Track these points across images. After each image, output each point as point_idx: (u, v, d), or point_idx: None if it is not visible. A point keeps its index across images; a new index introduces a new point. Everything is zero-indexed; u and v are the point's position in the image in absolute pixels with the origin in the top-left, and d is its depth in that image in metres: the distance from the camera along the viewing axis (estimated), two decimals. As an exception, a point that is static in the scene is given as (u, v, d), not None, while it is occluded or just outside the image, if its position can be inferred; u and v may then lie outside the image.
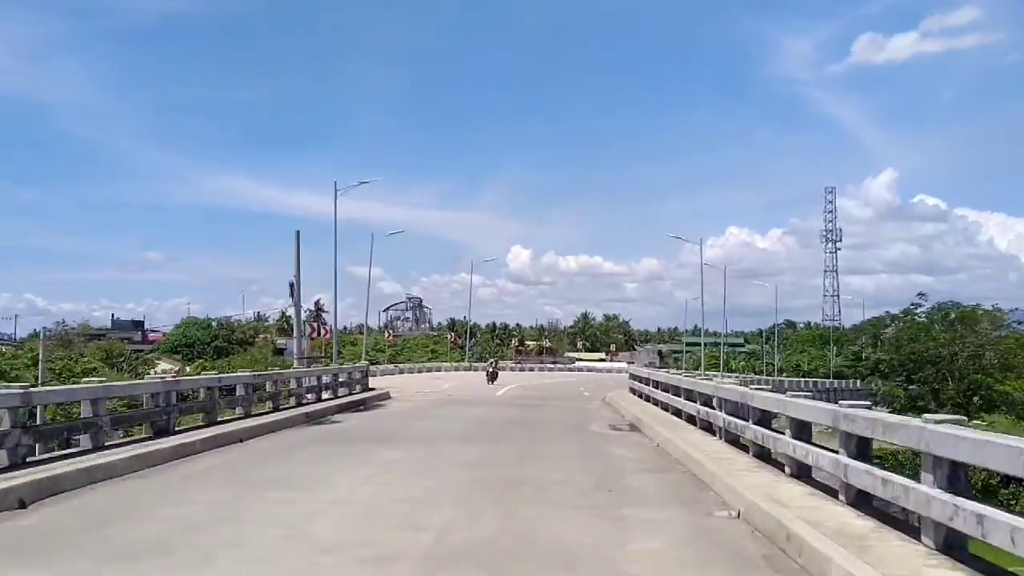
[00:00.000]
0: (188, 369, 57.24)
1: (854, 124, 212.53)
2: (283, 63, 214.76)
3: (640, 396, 23.53)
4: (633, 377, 25.76)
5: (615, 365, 78.22)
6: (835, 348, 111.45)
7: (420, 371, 53.78)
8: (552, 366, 72.22)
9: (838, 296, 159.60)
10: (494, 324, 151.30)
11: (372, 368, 33.77)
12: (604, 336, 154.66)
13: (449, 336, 73.46)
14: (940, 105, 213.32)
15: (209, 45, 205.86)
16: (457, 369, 59.42)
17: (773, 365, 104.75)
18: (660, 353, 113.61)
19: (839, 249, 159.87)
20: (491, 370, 37.49)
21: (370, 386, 28.39)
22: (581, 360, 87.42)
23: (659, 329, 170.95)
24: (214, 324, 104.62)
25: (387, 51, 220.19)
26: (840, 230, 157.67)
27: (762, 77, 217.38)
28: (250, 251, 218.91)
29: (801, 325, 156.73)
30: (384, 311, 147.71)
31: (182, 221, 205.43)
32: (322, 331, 35.23)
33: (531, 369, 67.20)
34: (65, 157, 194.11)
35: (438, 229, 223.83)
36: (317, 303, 76.89)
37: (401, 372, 49.18)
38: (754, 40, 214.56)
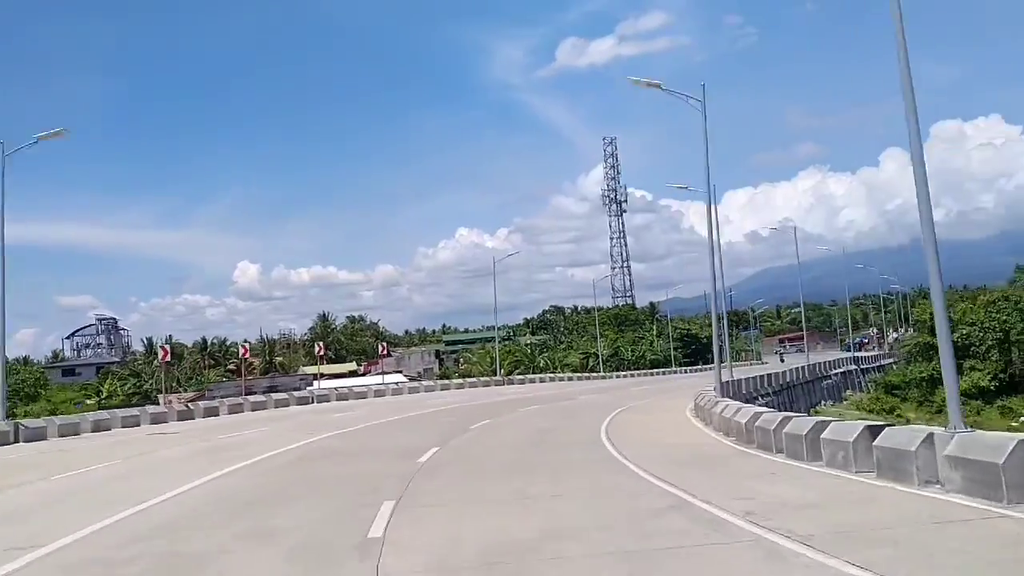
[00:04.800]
0: None
1: (565, 125, 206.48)
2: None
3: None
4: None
5: (392, 380, 43.20)
6: (655, 331, 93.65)
7: None
8: (264, 398, 34.89)
9: (628, 267, 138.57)
10: (204, 340, 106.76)
11: None
12: (350, 341, 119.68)
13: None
14: (640, 104, 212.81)
15: None
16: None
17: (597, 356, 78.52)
18: (438, 354, 79.85)
19: (625, 211, 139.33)
20: None
21: None
22: (325, 377, 50.02)
23: (407, 332, 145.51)
24: None
25: (100, 61, 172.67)
26: (625, 188, 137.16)
27: (481, 82, 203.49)
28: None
29: (568, 310, 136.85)
30: (67, 338, 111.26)
31: None
32: None
33: (215, 413, 29.55)
34: None
35: (156, 250, 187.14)
36: None
37: None
38: (471, 47, 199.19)
